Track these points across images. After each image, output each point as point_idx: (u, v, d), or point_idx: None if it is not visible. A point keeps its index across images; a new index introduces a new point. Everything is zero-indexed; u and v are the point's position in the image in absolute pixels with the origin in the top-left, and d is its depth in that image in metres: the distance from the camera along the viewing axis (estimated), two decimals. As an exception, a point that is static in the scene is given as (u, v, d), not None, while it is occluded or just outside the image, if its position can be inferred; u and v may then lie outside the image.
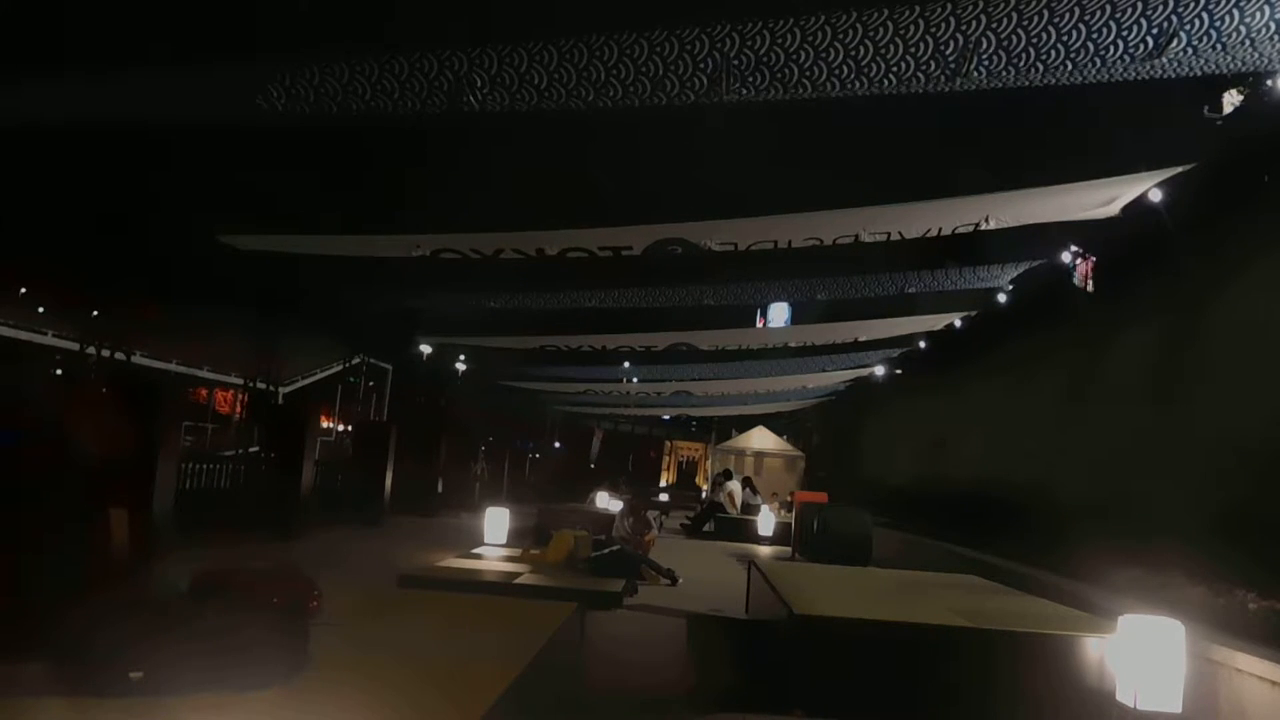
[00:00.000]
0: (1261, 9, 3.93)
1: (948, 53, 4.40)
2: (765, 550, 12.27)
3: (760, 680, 4.36)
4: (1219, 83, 4.88)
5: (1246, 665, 3.94)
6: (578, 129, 5.84)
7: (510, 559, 7.93)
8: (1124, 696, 3.42)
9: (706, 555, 11.11)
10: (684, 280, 9.63)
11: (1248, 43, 4.15)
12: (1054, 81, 4.58)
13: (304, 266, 9.16)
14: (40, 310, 21.35)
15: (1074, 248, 8.41)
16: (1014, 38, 4.29)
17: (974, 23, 4.25)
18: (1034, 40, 4.29)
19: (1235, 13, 3.97)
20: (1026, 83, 4.59)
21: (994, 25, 4.25)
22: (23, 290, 19.53)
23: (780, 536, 13.01)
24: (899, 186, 6.77)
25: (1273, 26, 4.03)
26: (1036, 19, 4.19)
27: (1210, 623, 4.51)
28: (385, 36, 4.81)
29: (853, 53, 4.46)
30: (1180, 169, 6.36)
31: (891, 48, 4.41)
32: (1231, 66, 4.49)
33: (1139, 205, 6.89)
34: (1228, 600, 4.81)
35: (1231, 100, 4.97)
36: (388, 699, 2.47)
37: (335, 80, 4.92)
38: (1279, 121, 5.05)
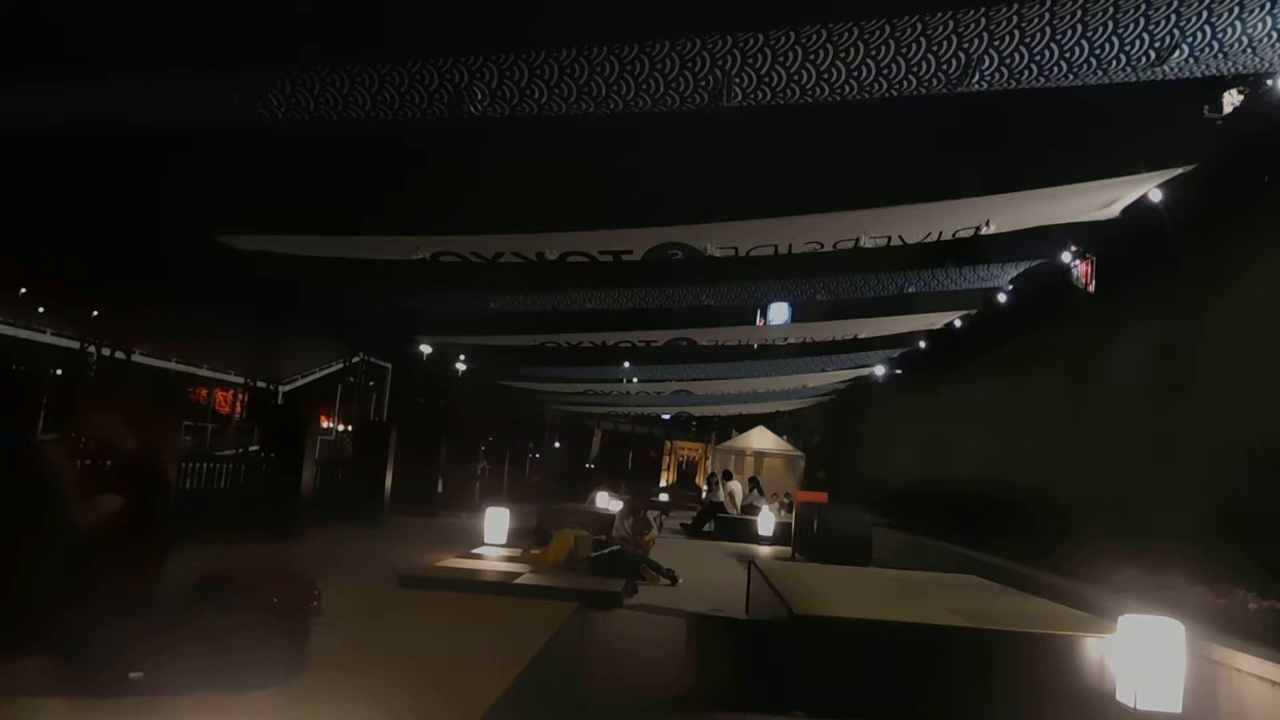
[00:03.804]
0: (1264, 19, 3.93)
1: (950, 70, 4.40)
2: (765, 550, 12.28)
3: (760, 680, 4.36)
4: (1219, 83, 4.88)
5: (1246, 665, 3.94)
6: (578, 132, 5.84)
7: (510, 559, 7.93)
8: (1124, 696, 3.42)
9: (706, 555, 11.11)
10: (684, 280, 9.63)
11: (1249, 50, 4.15)
12: (1054, 85, 4.58)
13: (304, 266, 9.16)
14: (40, 310, 21.34)
15: (1074, 247, 8.42)
16: (1016, 55, 4.27)
17: (976, 40, 4.23)
18: (1036, 58, 4.28)
19: (1238, 24, 3.97)
20: (1027, 87, 4.59)
21: (996, 43, 4.23)
22: (23, 290, 19.52)
23: (780, 536, 13.02)
24: (899, 188, 6.77)
25: (1275, 35, 4.03)
26: (1039, 36, 4.17)
27: (1210, 623, 4.51)
28: (385, 50, 4.81)
29: (855, 72, 4.46)
30: (1180, 170, 6.36)
31: (894, 66, 4.40)
32: (1231, 70, 4.50)
33: (1139, 205, 6.89)
34: (1228, 600, 4.81)
35: (1231, 100, 4.97)
36: (388, 699, 2.46)
37: (335, 91, 4.92)
38: (1279, 121, 5.05)
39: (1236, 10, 3.92)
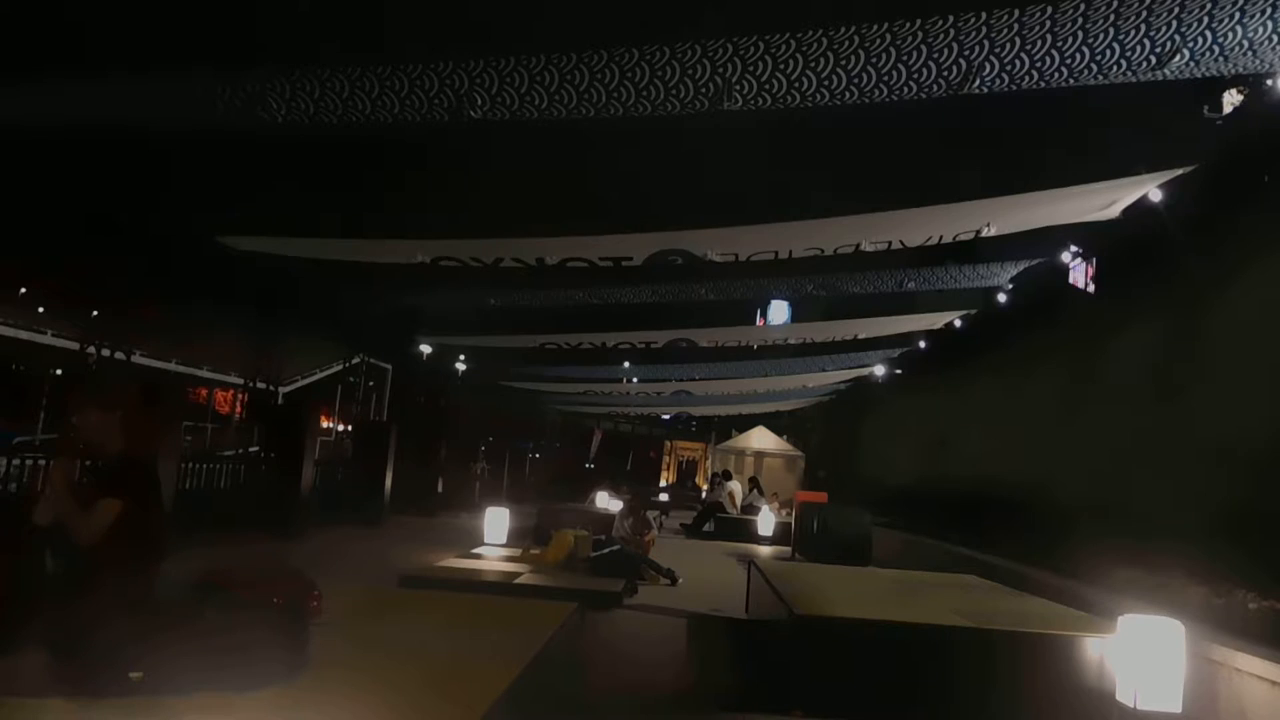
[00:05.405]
0: (1264, 23, 3.93)
1: (951, 77, 4.40)
2: (765, 550, 12.27)
3: (760, 680, 4.36)
4: (1218, 83, 4.89)
5: (1246, 665, 3.95)
6: (577, 136, 5.83)
7: (510, 559, 7.93)
8: (1124, 696, 3.43)
9: (706, 555, 11.11)
10: (684, 280, 9.63)
11: (1250, 52, 4.15)
12: (1054, 88, 4.58)
13: (304, 266, 9.16)
14: (40, 310, 21.34)
15: (1074, 248, 8.41)
16: (1018, 61, 4.27)
17: (977, 48, 4.23)
18: (1038, 64, 4.28)
19: (1239, 28, 3.97)
20: (1028, 91, 4.60)
21: (997, 50, 4.23)
22: (23, 290, 19.52)
23: (780, 536, 13.01)
24: (900, 190, 6.76)
25: (1276, 38, 4.03)
26: (1040, 43, 4.16)
27: (1210, 623, 4.52)
28: (385, 54, 4.81)
29: (856, 79, 4.46)
30: (1180, 170, 6.35)
31: (895, 73, 4.40)
32: (1231, 72, 4.50)
33: (1139, 206, 6.89)
34: (1228, 600, 4.81)
35: (1231, 100, 4.97)
36: (388, 699, 2.47)
37: (335, 95, 4.93)
38: (1279, 121, 5.05)
39: (1238, 15, 3.92)
